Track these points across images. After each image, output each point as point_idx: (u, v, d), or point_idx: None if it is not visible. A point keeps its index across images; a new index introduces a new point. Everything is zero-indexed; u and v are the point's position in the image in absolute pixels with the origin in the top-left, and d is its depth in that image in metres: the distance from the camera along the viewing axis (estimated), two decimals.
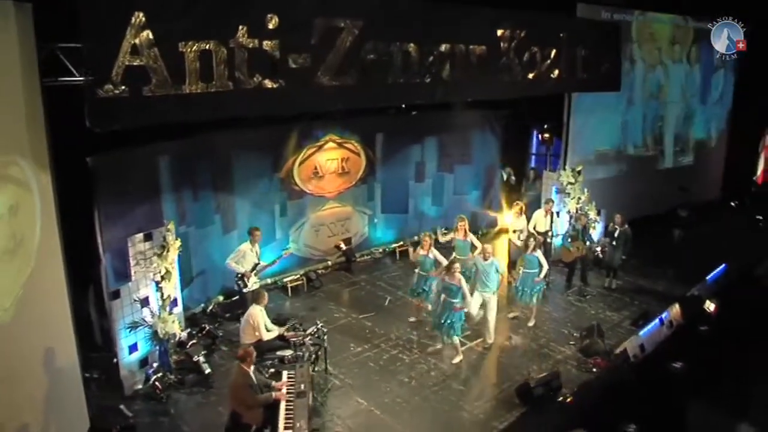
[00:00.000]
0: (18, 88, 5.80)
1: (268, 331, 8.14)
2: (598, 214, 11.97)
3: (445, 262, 9.14)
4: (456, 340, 8.84)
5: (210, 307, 10.09)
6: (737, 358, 9.47)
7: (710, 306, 9.81)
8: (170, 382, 8.20)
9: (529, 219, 11.56)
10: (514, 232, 11.66)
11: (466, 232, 9.91)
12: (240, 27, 6.24)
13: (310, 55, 6.86)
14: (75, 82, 6.41)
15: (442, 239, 10.30)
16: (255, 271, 9.35)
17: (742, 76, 15.67)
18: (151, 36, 5.68)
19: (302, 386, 7.11)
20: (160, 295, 8.26)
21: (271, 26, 6.44)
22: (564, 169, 12.04)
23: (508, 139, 13.95)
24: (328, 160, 11.72)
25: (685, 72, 14.96)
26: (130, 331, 7.99)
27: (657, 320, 9.47)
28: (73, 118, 6.40)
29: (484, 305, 9.20)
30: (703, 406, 8.92)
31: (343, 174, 12.06)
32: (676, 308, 9.74)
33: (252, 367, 6.67)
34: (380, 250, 13.00)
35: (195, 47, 5.98)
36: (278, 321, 8.58)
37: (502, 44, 8.91)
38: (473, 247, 9.86)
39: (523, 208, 11.56)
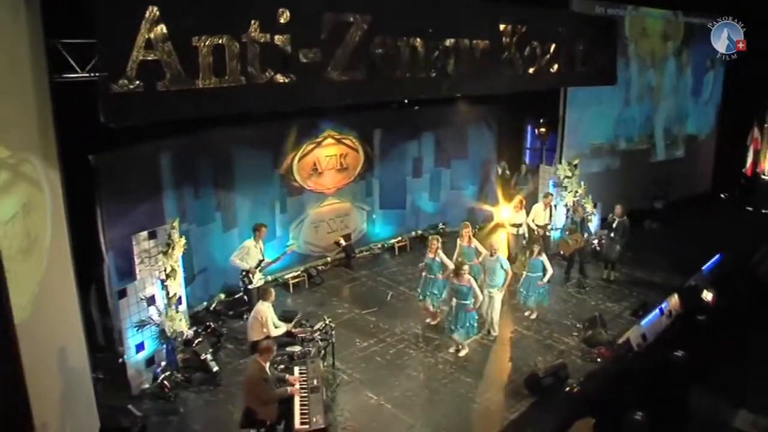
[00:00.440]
0: (28, 84, 5.72)
1: (275, 327, 8.12)
2: (595, 207, 12.12)
3: (451, 265, 9.16)
4: (466, 342, 8.91)
5: (213, 305, 10.03)
6: (735, 346, 9.67)
7: (708, 295, 9.98)
8: (177, 380, 8.15)
9: (528, 213, 11.68)
10: (513, 225, 11.76)
11: (470, 238, 9.91)
12: (252, 21, 6.20)
13: (320, 49, 6.84)
14: (78, 79, 6.35)
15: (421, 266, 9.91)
16: (260, 268, 9.31)
17: (731, 71, 15.91)
18: (165, 30, 5.62)
19: (315, 381, 7.13)
20: (166, 294, 8.20)
21: (282, 20, 6.41)
22: (561, 163, 12.15)
23: (503, 133, 14.03)
24: (326, 156, 11.71)
25: (676, 67, 15.15)
26: (137, 330, 7.92)
27: (657, 310, 9.60)
28: (74, 115, 6.37)
29: (489, 300, 9.26)
30: (704, 393, 9.10)
31: (341, 170, 12.06)
32: (675, 298, 9.89)
33: (268, 363, 6.65)
34: (379, 245, 13.01)
35: (208, 42, 5.94)
36: (285, 317, 8.54)
37: (504, 39, 8.96)
38: (478, 253, 9.84)
39: (523, 201, 11.65)
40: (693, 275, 10.85)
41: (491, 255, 9.16)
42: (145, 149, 8.78)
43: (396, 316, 10.23)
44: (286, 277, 11.11)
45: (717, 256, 11.47)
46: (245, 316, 9.81)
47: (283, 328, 8.22)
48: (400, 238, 13.14)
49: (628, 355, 8.84)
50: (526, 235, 11.77)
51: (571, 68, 10.21)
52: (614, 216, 11.25)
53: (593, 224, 12.02)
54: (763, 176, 16.87)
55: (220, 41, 6.02)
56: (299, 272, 11.34)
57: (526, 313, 10.10)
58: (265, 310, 8.07)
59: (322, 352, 8.42)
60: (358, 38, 7.15)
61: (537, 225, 11.62)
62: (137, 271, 8.04)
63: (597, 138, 13.78)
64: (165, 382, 7.98)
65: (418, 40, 7.86)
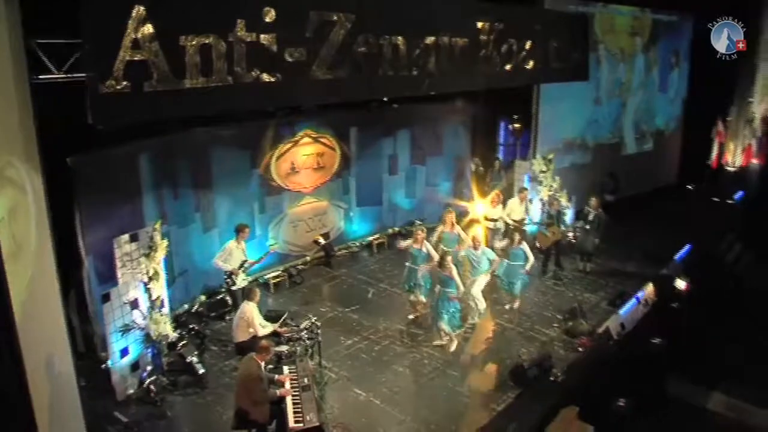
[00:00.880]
0: (10, 87, 5.57)
1: (262, 327, 8.09)
2: (569, 200, 12.37)
3: (436, 255, 9.26)
4: (453, 333, 8.98)
5: (195, 307, 9.92)
6: (709, 331, 10.03)
7: (681, 284, 10.31)
8: (163, 384, 8.06)
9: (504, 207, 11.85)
10: (490, 220, 11.91)
11: (453, 224, 10.03)
12: (239, 21, 6.17)
13: (305, 48, 6.85)
14: (54, 80, 6.20)
15: (402, 246, 10.01)
16: (243, 269, 9.25)
17: (696, 66, 16.40)
18: (151, 30, 5.55)
19: (306, 380, 7.16)
20: (149, 297, 8.09)
21: (268, 19, 6.40)
22: (535, 158, 12.37)
23: (476, 130, 14.19)
24: (304, 155, 11.69)
25: (645, 63, 15.57)
26: (122, 335, 7.79)
27: (634, 299, 9.90)
28: (50, 117, 6.21)
29: (473, 283, 9.38)
30: (681, 377, 9.44)
31: (319, 169, 12.05)
32: (650, 287, 10.20)
33: (264, 362, 6.63)
34: (357, 243, 13.05)
35: (195, 41, 5.88)
36: (269, 317, 8.51)
37: (482, 37, 9.09)
38: (459, 240, 9.96)
39: (500, 196, 11.82)
40: (666, 264, 11.18)
41: (475, 248, 9.26)
42: (124, 150, 8.63)
43: (378, 313, 10.28)
44: (266, 277, 11.07)
45: (687, 246, 11.84)
46: (227, 317, 9.80)
47: (270, 327, 8.19)
48: (377, 236, 13.21)
49: (609, 343, 9.10)
50: (503, 229, 11.93)
51: (545, 65, 10.41)
52: (589, 209, 11.49)
53: (568, 217, 12.27)
54: (727, 167, 17.53)
55: (207, 41, 5.97)
56: (280, 272, 11.31)
57: (507, 306, 10.25)
58: (251, 310, 8.03)
59: (309, 350, 8.42)
60: (341, 37, 7.18)
61: (513, 219, 11.79)
62: (119, 275, 7.91)
63: (569, 133, 14.06)
64: (151, 386, 7.88)
65: (400, 38, 7.92)
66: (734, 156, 17.36)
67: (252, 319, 7.98)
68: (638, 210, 14.67)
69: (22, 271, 5.56)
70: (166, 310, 8.55)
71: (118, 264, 7.89)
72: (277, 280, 11.17)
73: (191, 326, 9.14)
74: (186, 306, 9.95)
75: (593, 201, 11.49)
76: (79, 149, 7.80)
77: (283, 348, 8.18)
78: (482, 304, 9.54)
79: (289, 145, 11.40)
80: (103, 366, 8.01)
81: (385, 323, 9.93)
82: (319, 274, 11.88)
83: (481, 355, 9.00)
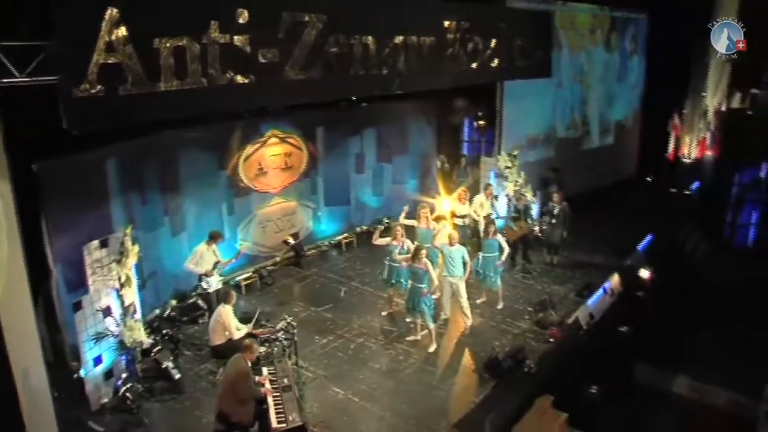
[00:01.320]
0: None
1: (238, 330, 8.05)
2: (534, 195, 12.63)
3: None
4: (432, 326, 9.07)
5: (167, 312, 9.78)
6: (672, 318, 10.44)
7: (645, 273, 10.67)
8: (139, 391, 7.93)
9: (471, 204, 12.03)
10: (459, 217, 12.07)
11: (428, 220, 10.14)
12: (212, 22, 6.13)
13: (278, 49, 6.85)
14: (16, 83, 6.01)
15: (378, 242, 10.00)
16: (217, 270, 9.17)
17: (652, 62, 16.95)
18: (125, 32, 5.47)
19: (285, 380, 7.17)
20: (122, 303, 7.95)
21: (241, 21, 6.38)
22: (501, 154, 12.59)
23: (442, 127, 14.36)
24: (271, 156, 11.64)
25: (604, 57, 16.01)
26: (95, 343, 7.63)
27: (601, 290, 10.20)
28: (13, 122, 6.04)
29: (454, 292, 9.50)
30: (648, 363, 9.80)
31: (286, 169, 12.02)
32: (615, 278, 10.52)
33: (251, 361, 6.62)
34: (326, 242, 13.06)
35: (169, 44, 5.82)
36: (244, 319, 8.48)
37: (448, 35, 9.23)
38: (433, 237, 10.06)
39: (467, 193, 11.98)
40: (629, 255, 11.55)
41: (450, 245, 9.38)
42: (90, 155, 8.44)
43: (352, 311, 10.33)
44: (237, 279, 10.98)
45: (649, 236, 12.25)
46: (200, 321, 9.72)
47: (245, 329, 8.16)
48: (346, 235, 13.25)
49: (579, 333, 9.36)
50: (471, 225, 12.11)
51: (510, 63, 10.61)
52: (554, 203, 11.76)
53: (534, 212, 12.54)
54: (683, 160, 18.22)
55: (180, 43, 5.92)
56: (250, 273, 11.25)
57: (478, 300, 10.41)
58: (227, 313, 8.00)
59: (287, 351, 8.42)
60: (313, 37, 7.21)
61: (480, 215, 11.97)
62: (90, 282, 7.75)
63: (533, 129, 14.36)
64: (127, 394, 7.73)
65: (370, 38, 7.99)
66: (690, 148, 18.06)
67: (228, 322, 7.96)
68: (601, 203, 15.08)
69: None
70: (138, 316, 8.43)
71: (89, 271, 7.72)
72: (249, 281, 11.10)
73: (164, 331, 8.99)
74: (157, 311, 9.79)
75: (556, 196, 11.77)
76: (44, 155, 7.60)
77: (261, 349, 8.14)
78: (469, 320, 9.65)
79: (256, 146, 11.34)
80: (75, 376, 7.83)
81: (359, 321, 9.98)
82: (289, 275, 11.85)
83: (456, 350, 9.17)
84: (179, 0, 5.93)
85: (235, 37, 6.39)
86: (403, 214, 10.35)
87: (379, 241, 9.84)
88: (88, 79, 5.32)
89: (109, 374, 7.93)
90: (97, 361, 7.78)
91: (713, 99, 17.16)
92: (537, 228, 12.31)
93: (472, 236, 11.79)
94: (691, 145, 18.01)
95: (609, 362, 8.97)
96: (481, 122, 13.96)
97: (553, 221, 11.68)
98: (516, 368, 8.49)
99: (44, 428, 6.48)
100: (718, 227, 13.58)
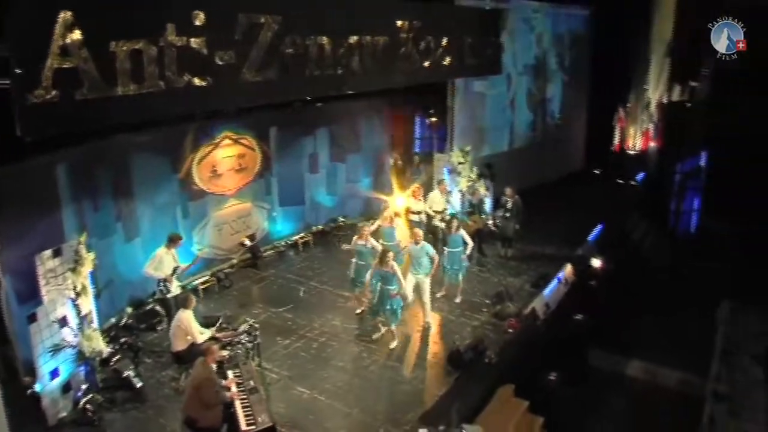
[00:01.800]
0: None
1: (201, 333, 7.97)
2: (487, 189, 12.92)
3: (380, 248, 9.40)
4: (393, 326, 9.16)
5: (124, 320, 9.56)
6: (623, 305, 10.89)
7: (596, 263, 11.07)
8: (100, 402, 7.75)
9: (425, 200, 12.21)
10: (415, 213, 12.24)
11: (392, 219, 10.23)
12: (168, 24, 6.05)
13: (234, 51, 6.82)
14: None
15: (345, 248, 10.14)
16: (176, 275, 9.03)
17: (597, 55, 17.51)
18: (80, 35, 5.35)
19: (251, 382, 7.15)
20: (78, 313, 7.75)
21: (197, 23, 6.32)
22: (453, 150, 12.82)
23: (394, 125, 14.50)
24: (225, 158, 11.50)
25: (546, 53, 16.43)
26: (52, 355, 7.41)
27: (555, 280, 10.53)
28: None
29: (417, 288, 9.61)
30: (601, 349, 10.21)
31: (240, 170, 11.90)
32: (568, 268, 10.88)
33: (214, 364, 6.56)
34: (282, 243, 13.00)
35: (125, 47, 5.72)
36: (205, 323, 8.39)
37: (401, 35, 9.35)
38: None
39: (421, 189, 12.15)
40: (581, 245, 11.95)
41: (416, 243, 9.47)
42: (39, 161, 8.16)
43: (312, 311, 10.35)
44: (195, 283, 10.81)
45: (599, 226, 12.70)
46: (159, 328, 9.55)
47: (207, 333, 8.07)
48: (302, 235, 13.23)
49: (536, 323, 9.65)
50: (425, 221, 12.29)
51: (461, 60, 10.83)
52: (506, 197, 12.06)
53: (487, 206, 12.82)
54: (629, 151, 18.95)
55: (137, 46, 5.83)
56: (208, 277, 11.11)
57: (438, 295, 10.58)
58: (187, 317, 7.89)
59: (250, 353, 8.38)
60: (269, 38, 7.20)
61: (435, 211, 12.17)
62: (44, 293, 7.51)
63: (484, 124, 14.62)
64: (87, 405, 7.54)
65: (325, 38, 8.04)
66: (634, 140, 18.75)
67: (189, 327, 7.84)
68: (551, 196, 15.49)
69: None
70: (96, 325, 8.23)
71: (42, 281, 7.47)
72: (206, 285, 10.95)
73: (123, 340, 8.80)
74: (113, 319, 9.55)
75: (508, 190, 12.06)
76: None
77: (224, 353, 8.08)
78: (428, 317, 9.79)
79: (209, 148, 11.18)
80: (30, 391, 7.58)
81: (320, 320, 10.01)
82: (247, 276, 11.76)
83: (418, 345, 9.31)
84: (135, 2, 5.80)
85: (192, 40, 6.34)
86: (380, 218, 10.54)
87: (346, 247, 9.91)
88: (43, 85, 5.18)
89: (66, 387, 7.70)
90: (54, 374, 7.53)
91: (655, 92, 17.90)
92: (491, 222, 12.60)
93: (427, 232, 11.94)
94: (636, 137, 18.73)
95: (565, 350, 9.29)
96: (433, 119, 14.16)
97: (507, 215, 11.97)
98: (477, 360, 8.69)
99: None
100: (663, 215, 14.17)
